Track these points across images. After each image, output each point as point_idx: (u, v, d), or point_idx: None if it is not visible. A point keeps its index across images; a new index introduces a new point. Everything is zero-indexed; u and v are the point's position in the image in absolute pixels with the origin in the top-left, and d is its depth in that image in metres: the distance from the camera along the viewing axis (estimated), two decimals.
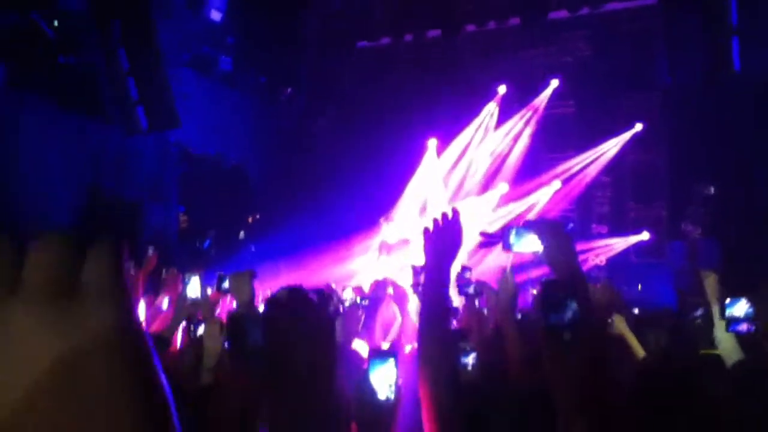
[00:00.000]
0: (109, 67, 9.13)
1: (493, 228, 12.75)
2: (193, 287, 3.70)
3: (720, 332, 3.44)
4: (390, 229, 10.07)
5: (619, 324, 3.66)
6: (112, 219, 9.17)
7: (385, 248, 10.05)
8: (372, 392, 1.94)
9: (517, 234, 1.93)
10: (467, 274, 5.51)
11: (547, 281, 1.62)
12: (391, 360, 2.00)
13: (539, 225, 1.84)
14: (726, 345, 3.40)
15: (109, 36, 9.07)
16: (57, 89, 8.78)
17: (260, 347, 1.95)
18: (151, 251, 7.28)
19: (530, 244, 1.87)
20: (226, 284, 3.41)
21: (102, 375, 0.40)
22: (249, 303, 2.87)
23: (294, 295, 1.94)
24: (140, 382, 0.42)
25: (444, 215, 1.95)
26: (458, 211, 1.99)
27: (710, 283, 3.59)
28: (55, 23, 8.72)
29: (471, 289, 4.51)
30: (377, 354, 2.13)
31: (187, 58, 10.53)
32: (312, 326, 1.78)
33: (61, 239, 0.42)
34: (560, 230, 1.81)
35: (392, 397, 1.98)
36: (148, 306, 4.92)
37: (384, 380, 1.98)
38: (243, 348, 2.32)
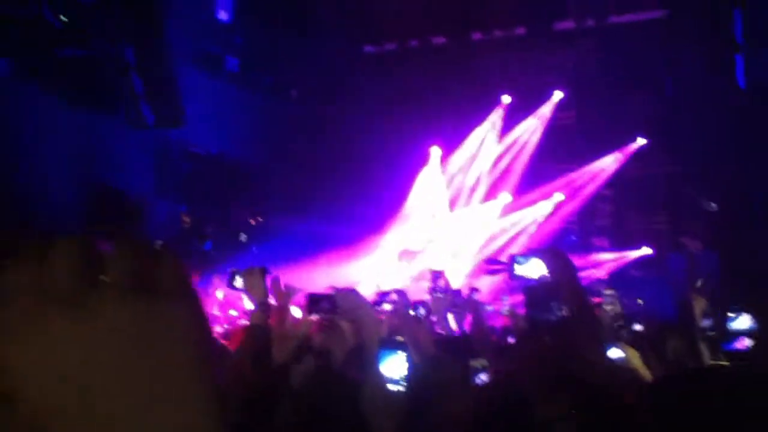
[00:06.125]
0: (116, 61, 9.02)
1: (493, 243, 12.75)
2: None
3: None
4: (409, 244, 10.17)
5: (634, 358, 3.53)
6: (116, 216, 9.00)
7: (407, 256, 10.07)
8: (382, 382, 1.90)
9: (521, 262, 2.00)
10: (441, 282, 5.46)
11: (529, 286, 1.77)
12: (402, 353, 1.96)
13: (543, 252, 2.02)
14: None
15: (116, 29, 8.96)
16: (62, 82, 8.65)
17: None
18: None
19: (535, 269, 1.97)
20: (238, 282, 3.26)
21: (178, 362, 0.45)
22: (265, 301, 2.79)
23: None
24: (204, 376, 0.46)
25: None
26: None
27: (698, 304, 3.64)
28: (63, 18, 8.60)
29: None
30: (388, 344, 2.06)
31: (194, 56, 10.44)
32: None
33: (137, 245, 0.47)
34: (562, 256, 1.95)
35: (402, 389, 1.94)
36: None
37: (394, 372, 1.94)
38: None
